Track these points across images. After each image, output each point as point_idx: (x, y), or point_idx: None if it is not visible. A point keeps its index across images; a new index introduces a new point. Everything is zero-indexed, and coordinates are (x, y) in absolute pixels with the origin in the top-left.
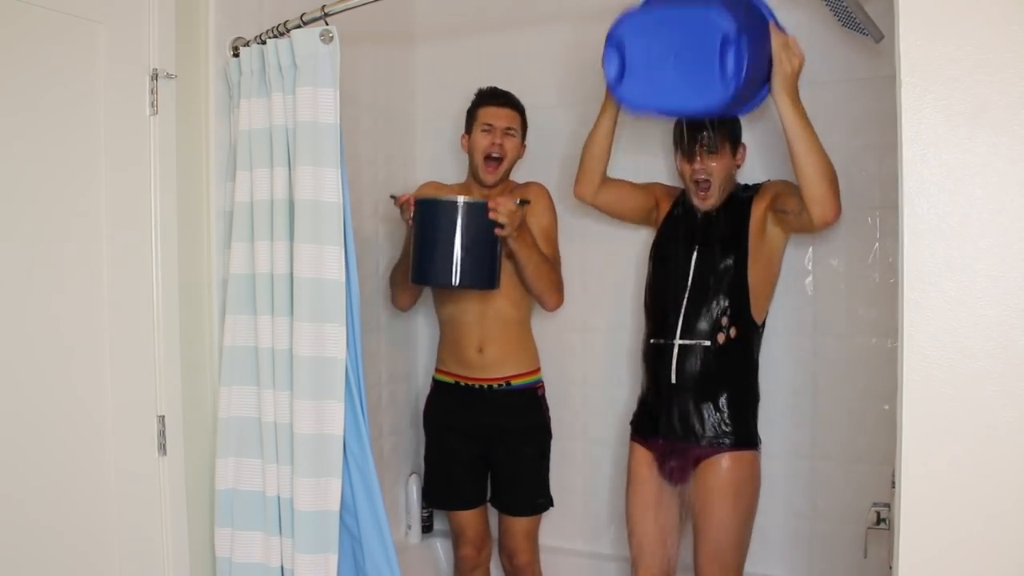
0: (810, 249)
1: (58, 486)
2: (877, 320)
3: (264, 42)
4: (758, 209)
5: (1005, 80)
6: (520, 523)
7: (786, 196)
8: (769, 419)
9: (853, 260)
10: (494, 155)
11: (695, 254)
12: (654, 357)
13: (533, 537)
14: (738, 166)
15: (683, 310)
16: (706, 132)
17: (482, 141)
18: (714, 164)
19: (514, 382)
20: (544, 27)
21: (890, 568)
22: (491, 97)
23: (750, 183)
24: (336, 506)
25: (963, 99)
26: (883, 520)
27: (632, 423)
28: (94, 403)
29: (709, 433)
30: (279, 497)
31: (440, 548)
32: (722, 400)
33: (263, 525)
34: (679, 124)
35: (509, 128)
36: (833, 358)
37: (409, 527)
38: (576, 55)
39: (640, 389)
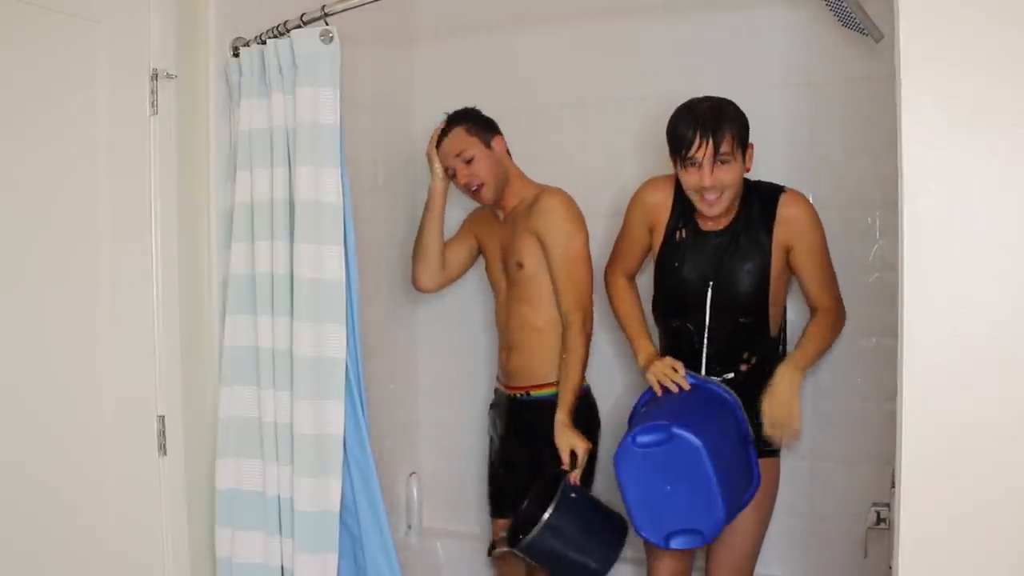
0: None
1: (58, 486)
2: (877, 320)
3: (264, 42)
4: (778, 243)
5: (1004, 80)
6: None
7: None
8: None
9: (853, 260)
10: (471, 187)
11: (710, 290)
12: None
13: None
14: (747, 171)
15: (704, 355)
16: (712, 139)
17: (456, 182)
18: (727, 175)
19: (534, 393)
20: (545, 27)
21: (890, 568)
22: (440, 135)
23: (761, 180)
24: (336, 506)
25: (963, 99)
26: (883, 520)
27: None
28: (94, 403)
29: None
30: (279, 497)
31: (440, 548)
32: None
33: (263, 525)
34: (675, 128)
35: (460, 153)
36: (833, 358)
37: (409, 527)
38: (577, 54)
39: None
